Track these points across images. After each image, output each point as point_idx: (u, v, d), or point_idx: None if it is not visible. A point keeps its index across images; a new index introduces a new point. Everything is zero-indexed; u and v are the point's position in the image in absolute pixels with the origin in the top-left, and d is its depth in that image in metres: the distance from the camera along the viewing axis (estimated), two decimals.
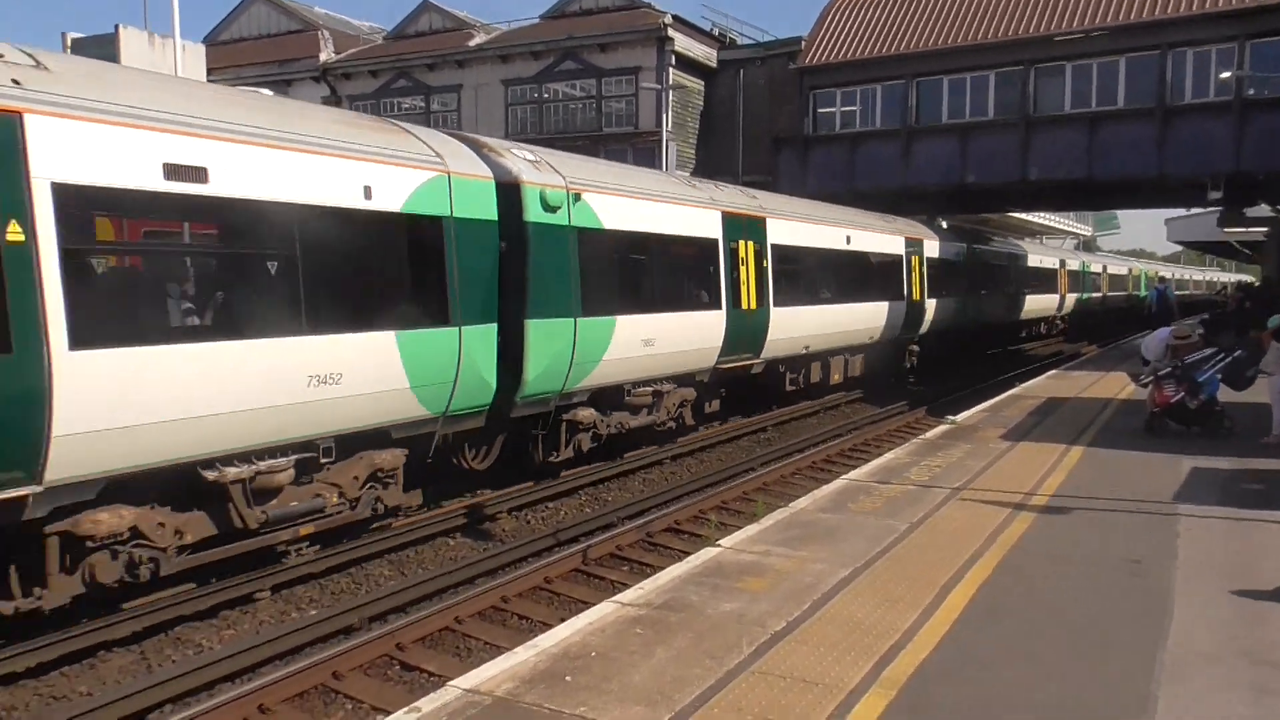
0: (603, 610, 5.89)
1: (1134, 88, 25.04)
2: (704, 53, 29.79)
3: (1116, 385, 15.43)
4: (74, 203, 6.46)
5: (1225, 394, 11.69)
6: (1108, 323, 46.80)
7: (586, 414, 12.44)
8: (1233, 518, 7.78)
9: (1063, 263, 40.79)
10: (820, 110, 29.49)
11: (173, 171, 7.09)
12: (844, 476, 9.70)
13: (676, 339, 13.77)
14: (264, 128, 7.96)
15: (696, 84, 29.81)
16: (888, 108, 28.44)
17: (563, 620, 6.21)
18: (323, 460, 8.79)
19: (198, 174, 7.28)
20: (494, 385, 10.65)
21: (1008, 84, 26.67)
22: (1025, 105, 26.24)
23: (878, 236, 21.68)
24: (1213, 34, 23.82)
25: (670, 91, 27.47)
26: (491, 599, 8.60)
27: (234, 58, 34.75)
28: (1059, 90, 26.18)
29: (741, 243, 15.73)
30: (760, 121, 29.95)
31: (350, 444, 9.11)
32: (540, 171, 11.44)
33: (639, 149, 27.97)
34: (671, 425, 14.48)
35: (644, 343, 13.00)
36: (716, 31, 32.19)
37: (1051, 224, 55.65)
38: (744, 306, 15.67)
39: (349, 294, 8.94)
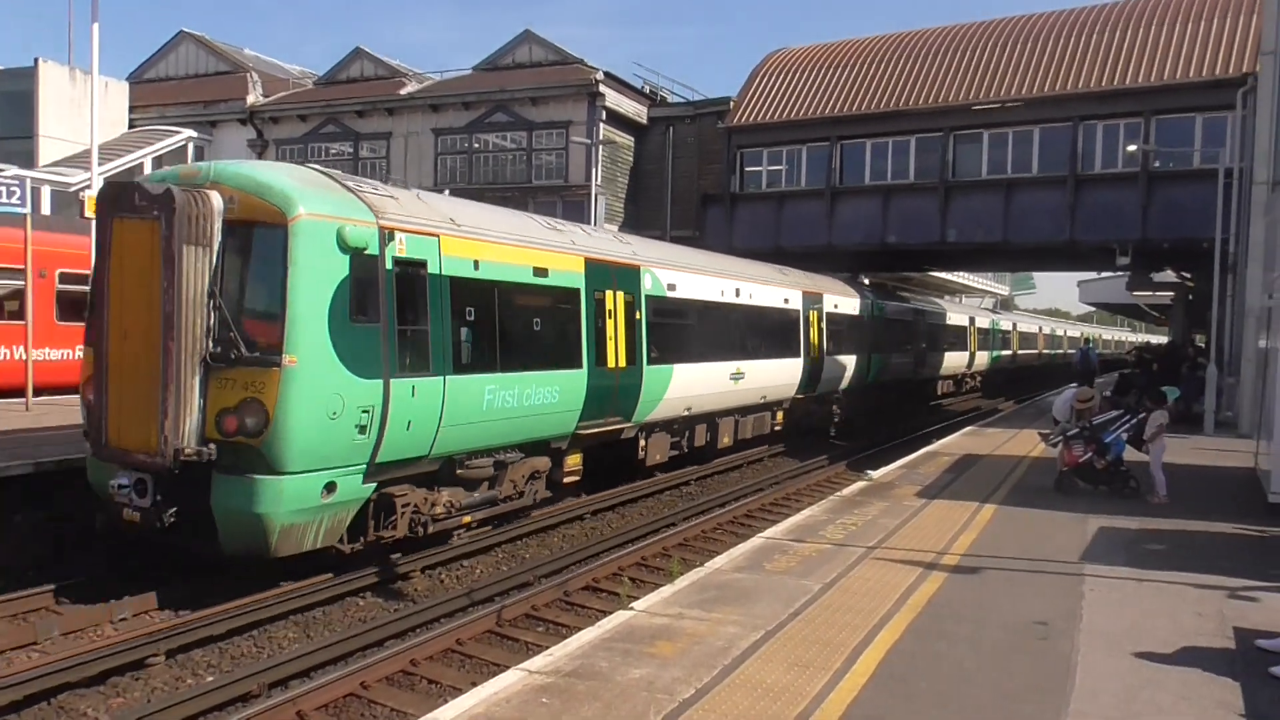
0: (509, 679, 5.73)
1: (1047, 157, 26.11)
2: (635, 109, 30.21)
3: (1029, 443, 15.78)
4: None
5: (1131, 454, 12.03)
6: (1020, 380, 48.04)
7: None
8: (1135, 578, 7.94)
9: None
10: (747, 169, 30.09)
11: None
12: (761, 535, 9.69)
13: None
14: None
15: (627, 139, 30.18)
16: (813, 168, 29.16)
17: (474, 685, 6.03)
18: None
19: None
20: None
21: (928, 149, 27.58)
22: (945, 170, 27.14)
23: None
24: (1120, 109, 25.00)
25: (600, 146, 27.74)
26: (400, 662, 8.35)
27: (159, 96, 34.23)
28: (977, 156, 27.15)
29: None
30: (688, 178, 30.41)
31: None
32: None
33: (568, 202, 28.13)
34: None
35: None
36: (648, 89, 32.71)
37: (971, 283, 57.29)
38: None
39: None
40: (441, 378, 10.60)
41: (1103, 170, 25.43)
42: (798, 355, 21.11)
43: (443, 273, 10.80)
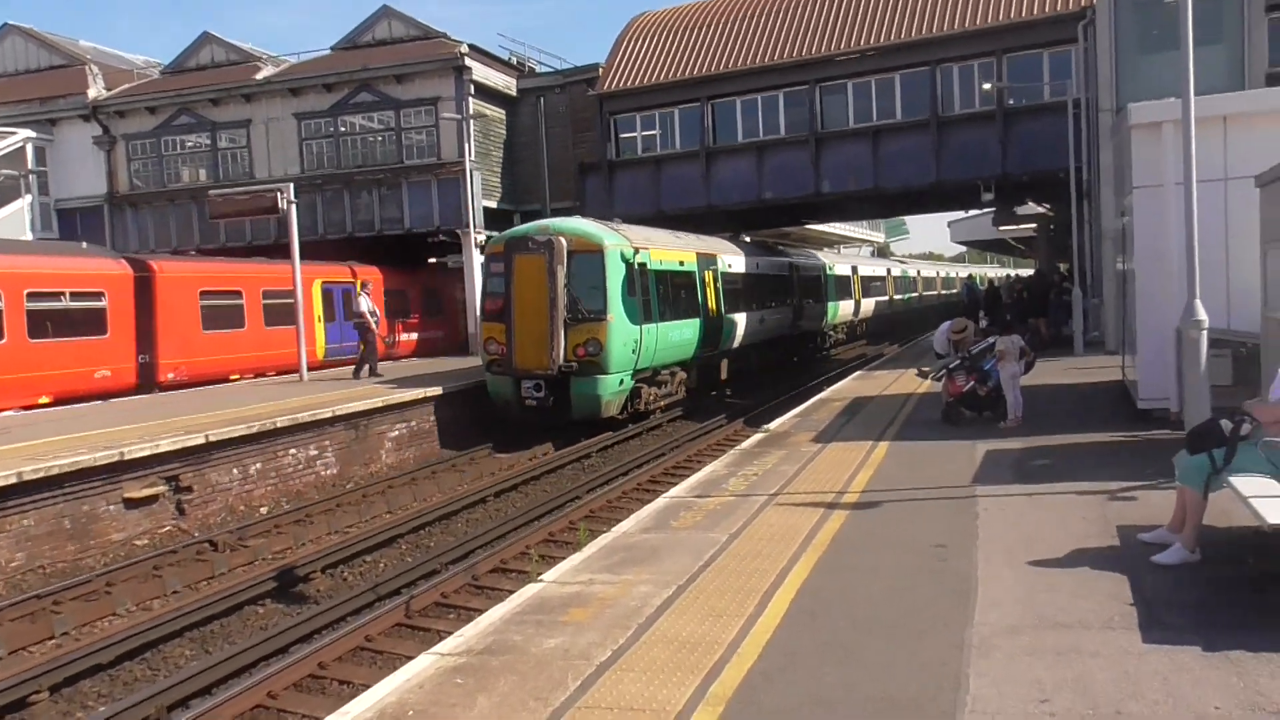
0: (421, 664, 5.58)
1: (910, 102, 26.74)
2: (503, 81, 29.70)
3: (915, 381, 16.22)
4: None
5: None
6: (903, 323, 49.68)
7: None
8: (1025, 494, 8.25)
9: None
10: (622, 135, 29.98)
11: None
12: (665, 494, 9.70)
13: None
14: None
15: (498, 113, 29.68)
16: (687, 130, 29.24)
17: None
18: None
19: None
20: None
21: (797, 103, 27.94)
22: (814, 122, 27.55)
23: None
24: (974, 50, 25.74)
25: (471, 121, 27.18)
26: (308, 667, 8.10)
27: None
28: (843, 107, 27.65)
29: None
30: (564, 148, 30.12)
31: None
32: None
33: (443, 180, 27.55)
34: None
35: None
36: (515, 61, 32.18)
37: (848, 234, 58.62)
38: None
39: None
40: (655, 324, 19.25)
41: (962, 111, 26.22)
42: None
43: (649, 267, 19.40)
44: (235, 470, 14.18)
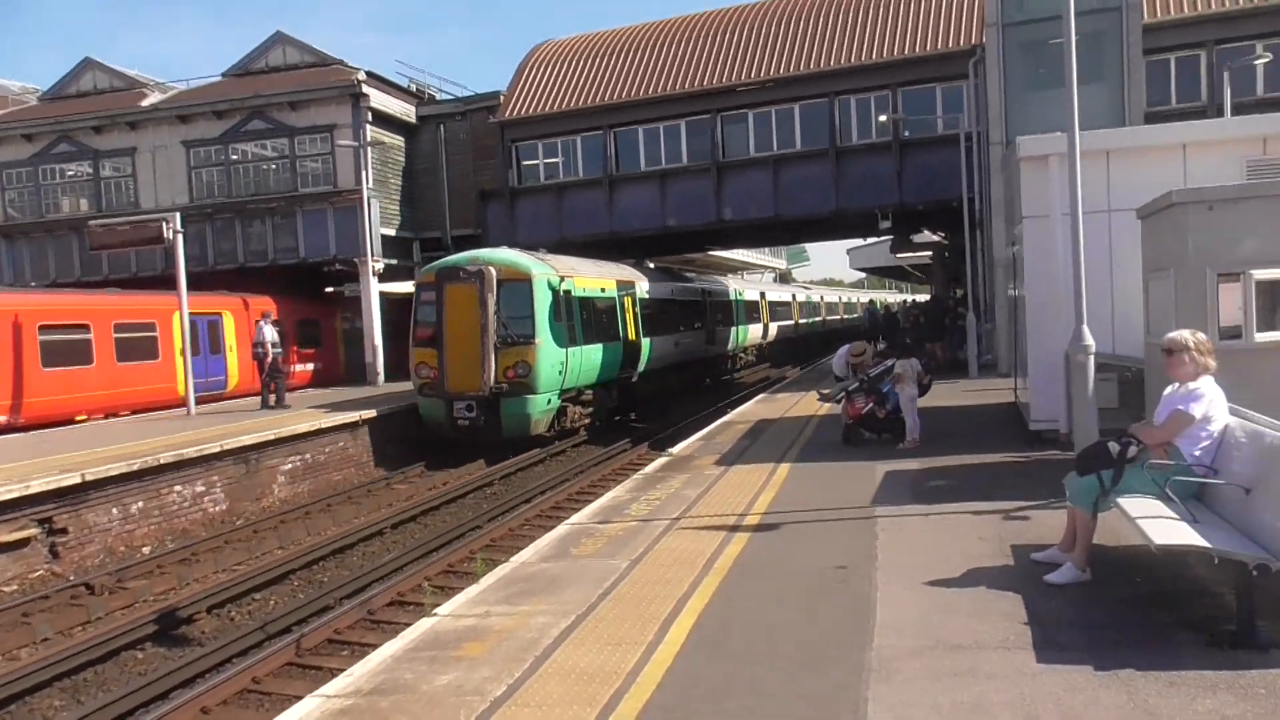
0: (305, 708, 5.27)
1: (809, 132, 27.29)
2: (402, 109, 29.27)
3: (817, 403, 16.38)
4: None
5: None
6: (805, 346, 50.72)
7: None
8: (923, 514, 8.33)
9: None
10: (524, 162, 29.83)
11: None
12: (566, 521, 9.51)
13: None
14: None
15: (397, 140, 29.21)
16: (590, 158, 29.25)
17: None
18: None
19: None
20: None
21: (699, 132, 28.23)
22: (716, 151, 27.87)
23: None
24: (870, 83, 26.45)
25: (369, 149, 26.67)
26: (189, 713, 7.68)
27: None
28: (744, 136, 28.05)
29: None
30: (465, 176, 29.82)
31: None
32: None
33: (339, 209, 26.94)
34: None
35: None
36: (415, 88, 31.78)
37: (750, 260, 59.51)
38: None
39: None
40: (580, 347, 20.36)
41: (860, 142, 26.87)
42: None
43: (574, 294, 20.53)
44: (115, 510, 13.45)
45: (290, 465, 16.90)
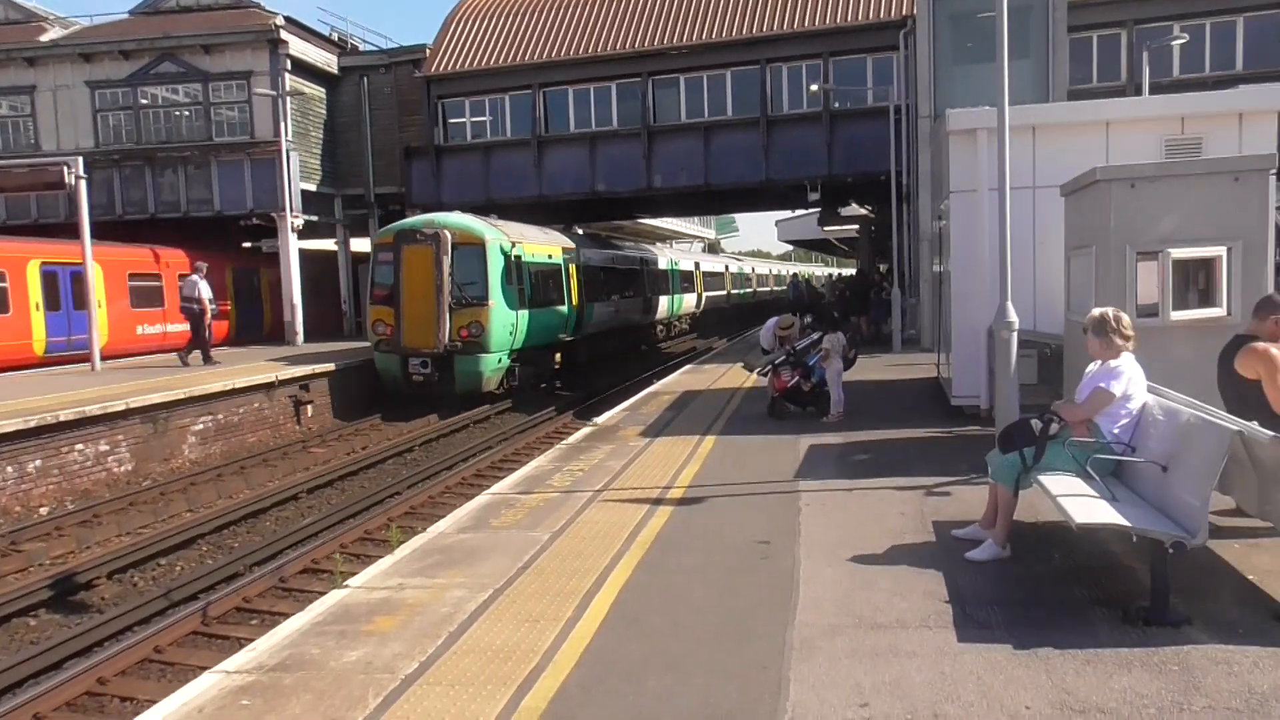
0: (203, 684, 5.01)
1: (741, 99, 27.12)
2: (323, 58, 28.29)
3: (743, 375, 16.39)
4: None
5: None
6: (735, 318, 51.05)
7: None
8: (845, 489, 8.33)
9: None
10: (451, 120, 29.14)
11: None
12: (487, 491, 9.31)
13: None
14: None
15: (318, 91, 28.25)
16: (518, 118, 28.68)
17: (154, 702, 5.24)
18: None
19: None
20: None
21: (630, 95, 27.85)
22: (647, 115, 27.55)
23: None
24: (802, 51, 26.37)
25: (288, 99, 25.72)
26: (85, 683, 7.33)
27: None
28: (676, 101, 27.76)
29: (572, 265, 25.41)
30: (389, 131, 29.04)
31: None
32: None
33: (256, 160, 25.99)
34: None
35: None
36: (337, 37, 30.74)
37: (679, 229, 59.39)
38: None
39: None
40: (529, 310, 21.45)
41: (791, 111, 26.81)
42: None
43: (524, 259, 21.54)
44: (9, 468, 12.81)
45: (201, 425, 16.32)
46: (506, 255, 20.60)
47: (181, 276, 22.27)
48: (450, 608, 5.86)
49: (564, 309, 24.14)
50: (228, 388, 16.88)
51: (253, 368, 19.23)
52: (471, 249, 20.00)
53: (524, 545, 7.12)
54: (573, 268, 25.20)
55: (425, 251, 19.62)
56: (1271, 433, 4.76)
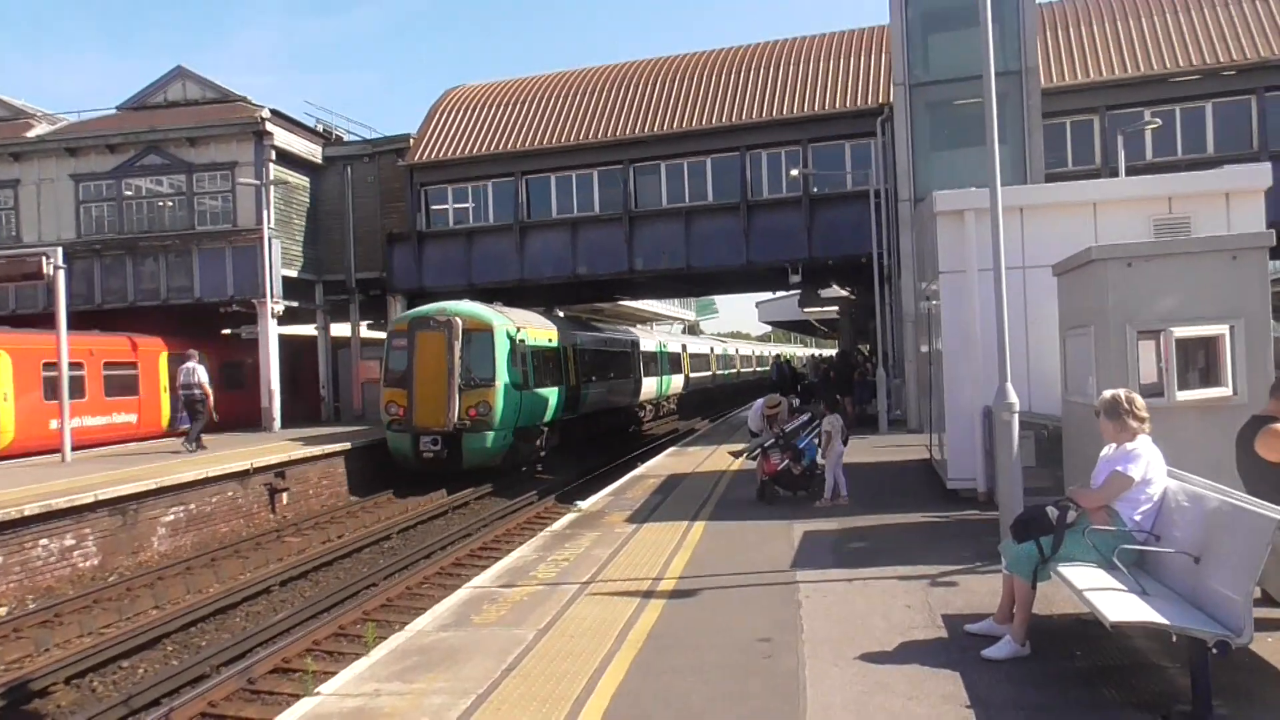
0: None
1: (721, 185, 27.33)
2: (307, 148, 28.41)
3: (729, 457, 16.05)
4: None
5: None
6: (716, 399, 50.99)
7: None
8: (845, 579, 7.94)
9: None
10: (433, 207, 29.21)
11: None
12: (468, 584, 8.85)
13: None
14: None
15: (302, 180, 28.30)
16: (500, 204, 28.76)
17: None
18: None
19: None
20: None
21: (611, 181, 28.03)
22: (628, 201, 27.68)
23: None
24: (781, 138, 26.70)
25: (272, 188, 25.70)
26: None
27: None
28: (656, 187, 27.94)
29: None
30: (371, 218, 29.06)
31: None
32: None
33: (238, 248, 25.84)
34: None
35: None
36: (322, 128, 30.95)
37: (660, 311, 59.57)
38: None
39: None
40: (532, 390, 22.78)
41: (770, 196, 26.99)
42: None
43: (527, 343, 22.94)
44: None
45: (172, 516, 15.77)
46: (512, 339, 22.11)
47: (177, 358, 22.20)
48: (430, 717, 5.42)
49: (562, 390, 25.49)
50: (200, 476, 16.37)
51: (235, 454, 18.74)
52: (480, 334, 21.51)
53: (508, 644, 6.69)
54: (570, 350, 26.83)
55: (438, 337, 21.08)
56: None
